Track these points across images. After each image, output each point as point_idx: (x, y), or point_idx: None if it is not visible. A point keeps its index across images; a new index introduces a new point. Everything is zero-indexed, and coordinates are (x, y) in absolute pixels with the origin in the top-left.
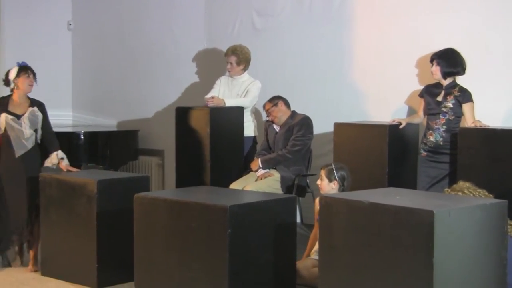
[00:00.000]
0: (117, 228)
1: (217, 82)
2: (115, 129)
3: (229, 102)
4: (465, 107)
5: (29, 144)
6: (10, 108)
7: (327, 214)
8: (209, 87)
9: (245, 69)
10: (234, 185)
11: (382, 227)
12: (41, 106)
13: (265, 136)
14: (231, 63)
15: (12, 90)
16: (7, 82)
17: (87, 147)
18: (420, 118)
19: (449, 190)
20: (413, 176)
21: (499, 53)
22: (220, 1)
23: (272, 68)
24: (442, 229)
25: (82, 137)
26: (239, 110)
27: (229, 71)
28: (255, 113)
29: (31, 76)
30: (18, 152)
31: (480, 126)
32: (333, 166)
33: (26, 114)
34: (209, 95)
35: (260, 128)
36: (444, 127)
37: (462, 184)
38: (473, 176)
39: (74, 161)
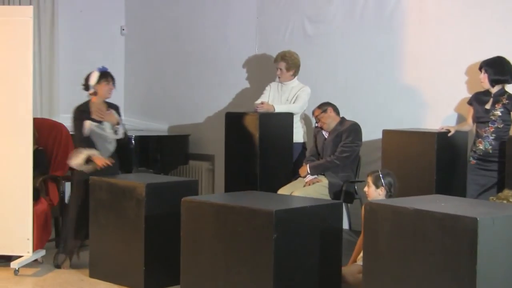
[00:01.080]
0: (164, 231)
1: (267, 88)
2: (166, 134)
3: (279, 108)
4: None
5: (112, 148)
6: (92, 115)
7: (372, 220)
8: (260, 93)
9: (294, 75)
10: (282, 191)
11: (427, 233)
12: (117, 109)
13: (314, 142)
14: (280, 69)
15: (90, 95)
16: (86, 86)
17: (138, 151)
18: (469, 125)
19: (494, 199)
20: (463, 184)
21: None
22: (272, 8)
23: (322, 75)
24: (486, 236)
25: (133, 141)
26: (289, 116)
27: (278, 77)
28: (305, 119)
29: (111, 82)
30: (104, 156)
31: None
32: (379, 172)
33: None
34: (259, 101)
35: (309, 134)
36: (493, 135)
37: (507, 192)
38: None
39: (125, 165)
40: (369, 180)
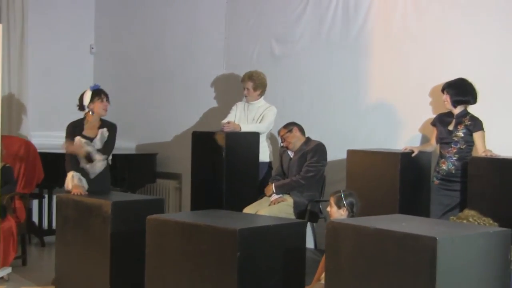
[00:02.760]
0: (130, 249)
1: (234, 107)
2: (134, 152)
3: (245, 127)
4: (476, 136)
5: (102, 166)
6: (85, 131)
7: (333, 239)
8: (228, 112)
9: (261, 94)
10: (247, 210)
11: (387, 252)
12: (112, 127)
13: (279, 161)
14: (247, 89)
15: (86, 115)
16: (81, 107)
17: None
18: (432, 146)
19: (455, 218)
20: (426, 203)
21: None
22: (239, 28)
23: (289, 94)
24: (445, 255)
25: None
26: (255, 135)
27: (245, 97)
28: (271, 138)
29: (105, 99)
30: (93, 174)
31: (490, 155)
32: (341, 193)
33: (98, 137)
34: (225, 120)
35: (275, 154)
36: (456, 155)
37: (467, 212)
38: (483, 204)
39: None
40: (332, 200)
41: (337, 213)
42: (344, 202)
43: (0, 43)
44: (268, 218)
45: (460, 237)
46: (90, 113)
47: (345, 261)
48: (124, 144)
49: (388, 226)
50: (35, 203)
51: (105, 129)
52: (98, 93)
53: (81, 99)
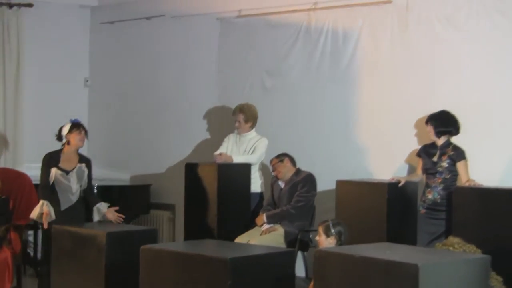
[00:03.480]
0: (125, 279)
1: (226, 139)
2: (128, 183)
3: (237, 159)
4: (459, 165)
5: (74, 198)
6: (61, 163)
7: (321, 267)
8: (220, 144)
9: (252, 126)
10: (239, 239)
11: (372, 279)
12: (88, 163)
13: (270, 191)
14: (239, 121)
15: (63, 145)
16: (59, 137)
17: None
18: (418, 176)
19: (441, 245)
20: (413, 232)
21: (495, 114)
22: (232, 61)
23: (281, 126)
24: (427, 282)
25: (95, 191)
26: (246, 167)
27: (237, 129)
28: (262, 169)
29: (83, 132)
30: (64, 206)
31: (474, 184)
32: (330, 222)
33: (75, 170)
34: (217, 152)
35: (267, 184)
36: (442, 185)
37: (452, 239)
38: (467, 232)
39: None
40: (320, 229)
41: (325, 241)
42: (332, 231)
43: None
44: (259, 247)
45: (441, 264)
46: (67, 143)
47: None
48: (118, 176)
49: (373, 254)
50: (31, 234)
51: (83, 165)
52: (77, 125)
53: (60, 130)
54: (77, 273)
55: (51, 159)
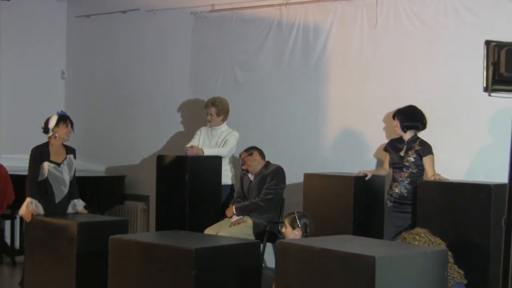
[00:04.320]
0: (96, 269)
1: (198, 132)
2: (102, 175)
3: (208, 152)
4: (425, 160)
5: (66, 190)
6: (51, 157)
7: (283, 258)
8: (193, 137)
9: (224, 120)
10: (208, 230)
11: (331, 271)
12: (74, 153)
13: (240, 184)
14: (211, 114)
15: (49, 138)
16: (46, 130)
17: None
18: (386, 170)
19: (407, 235)
20: (380, 225)
21: (461, 109)
22: (205, 56)
23: (252, 120)
24: (384, 274)
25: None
26: (217, 159)
27: (209, 122)
28: (233, 162)
29: (69, 125)
30: (58, 198)
31: (439, 179)
32: (295, 214)
33: (65, 161)
34: (189, 145)
35: (238, 177)
36: (408, 179)
37: (419, 229)
38: (431, 226)
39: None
40: (286, 221)
41: (291, 233)
42: (298, 223)
43: None
44: (225, 239)
45: (398, 256)
46: (54, 136)
47: (293, 279)
48: (94, 167)
49: (332, 246)
50: (7, 224)
51: (72, 156)
52: (64, 118)
53: (46, 122)
54: (50, 262)
55: (40, 154)
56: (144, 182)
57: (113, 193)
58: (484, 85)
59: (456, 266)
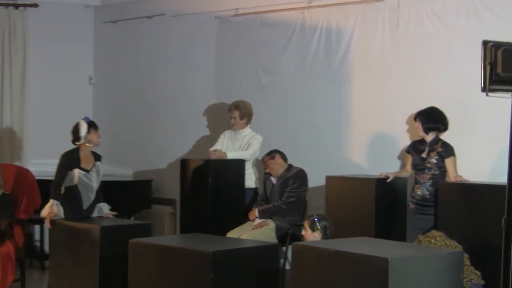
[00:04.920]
0: (118, 272)
1: (221, 136)
2: (129, 179)
3: (231, 155)
4: (447, 161)
5: (93, 196)
6: (82, 163)
7: (298, 261)
8: (217, 140)
9: (247, 123)
10: (231, 234)
11: (344, 273)
12: (100, 159)
13: (263, 187)
14: (234, 118)
15: (79, 144)
16: (77, 138)
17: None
18: (408, 172)
19: (423, 237)
20: (403, 227)
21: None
22: (229, 59)
23: (275, 123)
24: (397, 276)
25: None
26: (240, 163)
27: (232, 125)
28: (257, 165)
29: (98, 130)
30: (86, 205)
31: (460, 180)
32: (315, 217)
33: (94, 168)
34: (212, 148)
35: (261, 180)
36: (430, 181)
37: (435, 232)
38: (451, 227)
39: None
40: (306, 224)
41: (311, 236)
42: (317, 225)
43: None
44: (243, 241)
45: (412, 258)
46: (87, 143)
47: (307, 281)
48: (121, 172)
49: (347, 248)
50: (36, 228)
51: (99, 163)
52: (93, 124)
53: (76, 131)
54: (73, 266)
55: (70, 161)
56: (170, 186)
57: (140, 197)
58: (482, 85)
59: (472, 267)
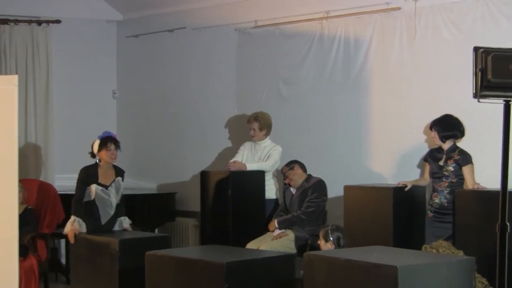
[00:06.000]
0: (137, 285)
1: (241, 147)
2: (153, 192)
3: (251, 166)
4: (465, 169)
5: (113, 211)
6: (100, 179)
7: (310, 270)
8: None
9: (267, 134)
10: (250, 245)
11: (355, 282)
12: (123, 175)
13: (282, 198)
14: (253, 129)
15: (97, 161)
16: (93, 154)
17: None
18: (426, 180)
19: (428, 247)
20: (422, 236)
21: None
22: (250, 71)
23: (296, 134)
24: (407, 284)
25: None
26: (260, 174)
27: (252, 137)
28: (277, 176)
29: (112, 147)
30: (104, 220)
31: (477, 188)
32: (329, 227)
33: (113, 184)
34: (232, 160)
35: (281, 191)
36: (448, 189)
37: (440, 242)
38: (470, 236)
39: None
40: (320, 234)
41: (324, 246)
42: (330, 236)
43: (15, 94)
44: (259, 252)
45: (421, 265)
46: (98, 161)
47: None
48: (146, 185)
49: (357, 257)
50: (62, 242)
51: (120, 178)
52: (105, 142)
53: (92, 146)
54: (93, 279)
55: (88, 176)
56: (194, 198)
57: (164, 210)
58: (474, 92)
59: (479, 275)
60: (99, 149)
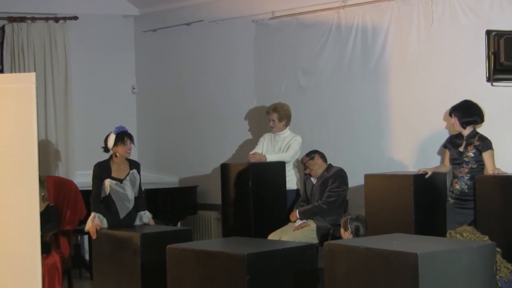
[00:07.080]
0: (160, 279)
1: (261, 139)
2: (175, 186)
3: (271, 158)
4: (485, 155)
5: (131, 205)
6: (113, 173)
7: (330, 259)
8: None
9: (286, 125)
10: (272, 236)
11: (375, 270)
12: (138, 167)
13: (303, 188)
14: (273, 120)
15: (111, 155)
16: (106, 149)
17: (147, 203)
18: (446, 167)
19: (453, 233)
20: (443, 223)
21: None
22: (268, 62)
23: (315, 124)
24: (427, 270)
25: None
26: (280, 165)
27: (271, 128)
28: (298, 166)
29: (128, 142)
30: (122, 214)
31: (497, 173)
32: (348, 217)
33: (128, 177)
34: (252, 152)
35: (302, 181)
36: (468, 175)
37: (465, 227)
38: (491, 221)
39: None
40: (341, 223)
41: (344, 235)
42: (349, 226)
43: (33, 91)
44: (280, 243)
45: (442, 252)
46: (115, 155)
47: (340, 279)
48: (168, 179)
49: (378, 245)
50: (85, 238)
51: (135, 171)
52: (121, 137)
53: (106, 140)
54: (116, 274)
55: (101, 171)
56: (215, 191)
57: (186, 203)
58: (487, 75)
59: (505, 261)
60: (115, 144)
